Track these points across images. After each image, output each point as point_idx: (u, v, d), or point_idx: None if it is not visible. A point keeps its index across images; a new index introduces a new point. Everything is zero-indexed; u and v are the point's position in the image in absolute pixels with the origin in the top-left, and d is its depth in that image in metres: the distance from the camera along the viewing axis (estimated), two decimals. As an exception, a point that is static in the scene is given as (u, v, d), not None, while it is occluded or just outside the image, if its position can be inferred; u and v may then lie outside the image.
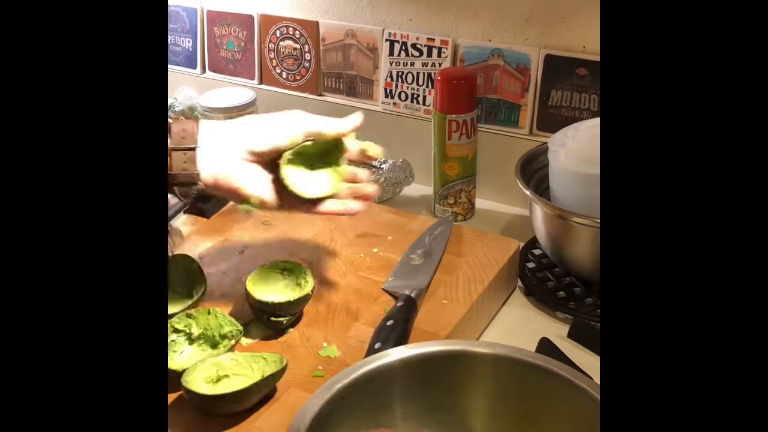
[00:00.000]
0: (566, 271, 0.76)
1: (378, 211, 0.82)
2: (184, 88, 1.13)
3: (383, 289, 0.68)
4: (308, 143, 0.62)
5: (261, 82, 1.09)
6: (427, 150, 0.90)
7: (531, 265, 0.78)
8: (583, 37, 0.82)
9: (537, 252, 0.80)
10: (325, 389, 0.45)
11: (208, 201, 0.81)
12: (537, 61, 0.85)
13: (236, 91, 1.06)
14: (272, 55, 1.06)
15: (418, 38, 0.92)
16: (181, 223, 0.80)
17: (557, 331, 0.69)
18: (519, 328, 0.71)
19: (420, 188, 0.96)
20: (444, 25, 0.91)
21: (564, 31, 0.83)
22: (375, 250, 0.74)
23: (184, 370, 0.55)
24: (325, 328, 0.64)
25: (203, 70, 1.14)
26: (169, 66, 1.16)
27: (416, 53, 0.93)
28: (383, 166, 0.93)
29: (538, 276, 0.77)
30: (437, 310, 0.65)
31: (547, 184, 0.76)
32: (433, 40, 0.91)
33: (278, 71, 1.06)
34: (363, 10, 0.96)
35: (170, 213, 0.78)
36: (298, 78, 1.05)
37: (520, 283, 0.77)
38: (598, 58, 0.81)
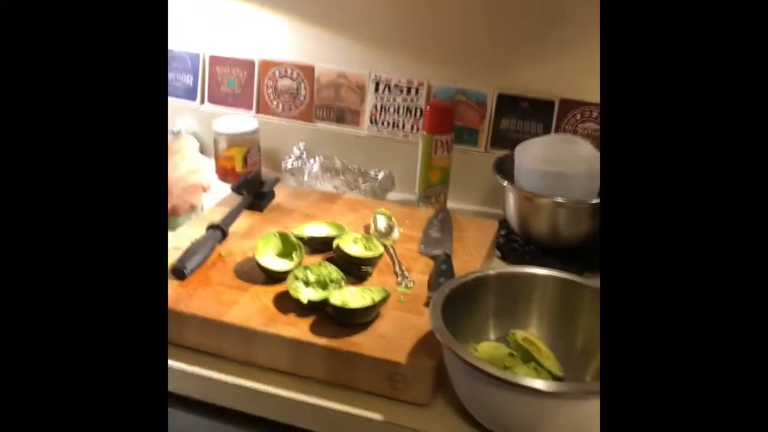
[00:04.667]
0: (527, 240, 1.08)
1: (390, 206, 1.09)
2: (186, 116, 1.34)
3: (420, 252, 0.96)
4: None
5: (258, 112, 1.33)
6: (404, 165, 1.19)
7: (501, 240, 1.10)
8: (526, 81, 1.17)
9: (502, 232, 1.12)
10: (447, 286, 0.73)
11: (262, 199, 1.05)
12: (492, 98, 1.19)
13: (242, 119, 1.29)
14: (270, 91, 1.31)
15: (399, 80, 1.23)
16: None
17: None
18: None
19: (399, 194, 1.25)
20: (420, 71, 1.22)
21: (512, 76, 1.17)
22: (401, 229, 1.02)
23: (316, 301, 0.80)
24: (391, 276, 0.90)
25: (202, 102, 1.35)
26: (169, 97, 1.36)
27: (398, 91, 1.23)
28: (378, 175, 1.21)
29: (509, 246, 1.09)
30: (463, 262, 0.94)
31: (512, 180, 1.09)
32: (412, 81, 1.22)
33: (275, 104, 1.31)
34: (353, 58, 1.25)
35: (240, 208, 1.01)
36: (293, 109, 1.30)
37: (497, 251, 1.08)
38: (536, 96, 1.17)
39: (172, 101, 1.35)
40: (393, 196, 1.24)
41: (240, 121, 1.28)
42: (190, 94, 1.35)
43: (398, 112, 1.24)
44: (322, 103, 1.28)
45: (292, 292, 0.81)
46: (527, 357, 0.77)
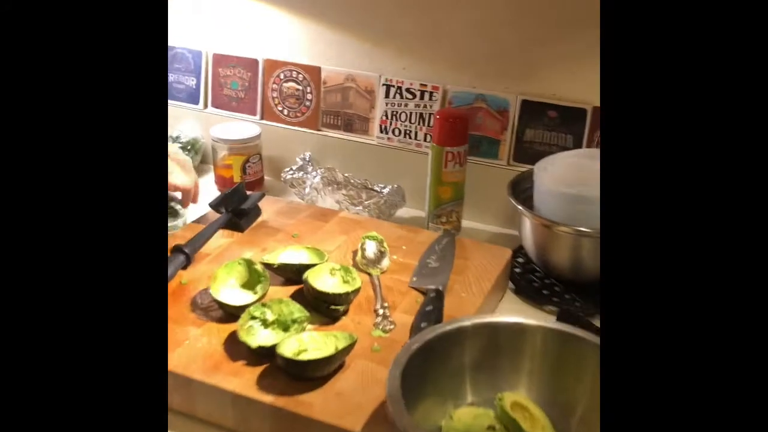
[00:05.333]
0: (547, 273, 0.93)
1: (389, 227, 0.96)
2: (188, 121, 1.25)
3: (411, 286, 0.83)
4: None
5: (262, 118, 1.22)
6: (417, 178, 1.06)
7: (517, 270, 0.95)
8: (554, 86, 1.01)
9: (520, 260, 0.97)
10: (415, 341, 0.59)
11: (243, 217, 0.94)
12: (515, 105, 1.04)
13: (243, 125, 1.18)
14: (275, 95, 1.20)
15: (411, 84, 1.09)
16: (219, 236, 0.92)
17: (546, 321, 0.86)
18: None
19: (410, 210, 1.11)
20: (434, 74, 1.08)
21: (538, 81, 1.02)
22: (394, 257, 0.89)
23: (267, 347, 0.67)
24: (370, 315, 0.77)
25: (205, 106, 1.26)
26: (171, 101, 1.27)
27: (410, 96, 1.10)
28: (384, 190, 1.08)
29: (525, 278, 0.93)
30: (458, 301, 0.80)
31: (531, 203, 0.94)
32: (426, 85, 1.08)
33: (280, 109, 1.20)
34: (362, 59, 1.12)
35: (213, 228, 0.90)
36: (298, 115, 1.19)
37: (511, 284, 0.93)
38: (566, 103, 1.01)
39: (174, 105, 1.27)
40: (403, 212, 1.11)
41: (240, 127, 1.18)
42: (192, 97, 1.26)
43: (410, 120, 1.11)
44: (329, 108, 1.16)
45: (242, 335, 0.69)
46: (515, 427, 0.62)
